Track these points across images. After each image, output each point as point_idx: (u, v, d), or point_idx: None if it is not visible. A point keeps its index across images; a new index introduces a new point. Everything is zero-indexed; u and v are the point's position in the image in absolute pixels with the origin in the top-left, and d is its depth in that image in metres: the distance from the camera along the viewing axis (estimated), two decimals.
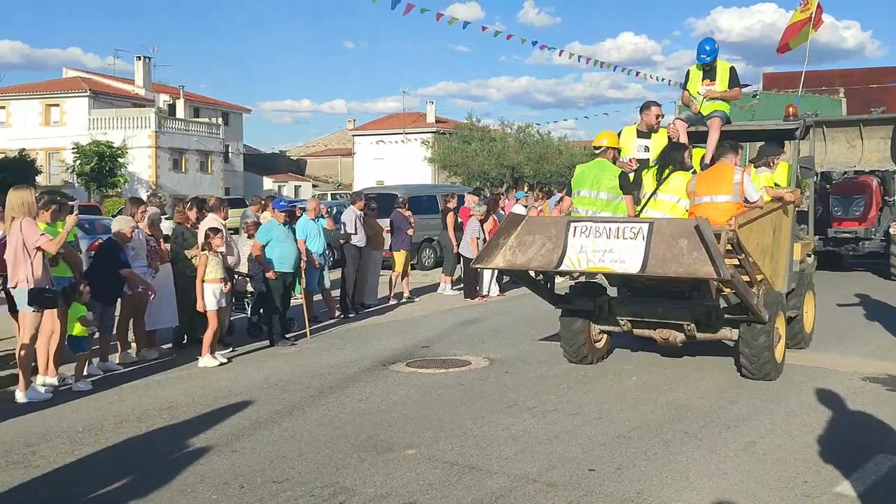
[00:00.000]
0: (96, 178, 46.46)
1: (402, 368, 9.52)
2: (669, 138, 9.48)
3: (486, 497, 5.41)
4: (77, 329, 8.76)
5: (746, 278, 8.03)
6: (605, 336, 9.68)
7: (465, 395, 8.19)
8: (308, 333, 11.64)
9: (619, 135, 9.52)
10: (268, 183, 66.58)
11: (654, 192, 8.78)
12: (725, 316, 8.47)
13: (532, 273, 9.12)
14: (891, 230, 17.82)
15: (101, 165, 46.62)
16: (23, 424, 7.27)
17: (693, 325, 8.60)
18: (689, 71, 10.38)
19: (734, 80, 10.15)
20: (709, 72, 10.05)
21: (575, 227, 8.07)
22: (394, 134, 68.48)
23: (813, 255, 11.50)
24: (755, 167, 9.87)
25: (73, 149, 47.53)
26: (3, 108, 55.75)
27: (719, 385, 8.47)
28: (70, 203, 9.10)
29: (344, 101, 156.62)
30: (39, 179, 47.53)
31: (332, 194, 51.16)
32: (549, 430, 6.93)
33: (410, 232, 15.46)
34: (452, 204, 16.48)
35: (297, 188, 67.14)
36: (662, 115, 9.70)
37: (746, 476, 5.79)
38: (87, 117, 53.81)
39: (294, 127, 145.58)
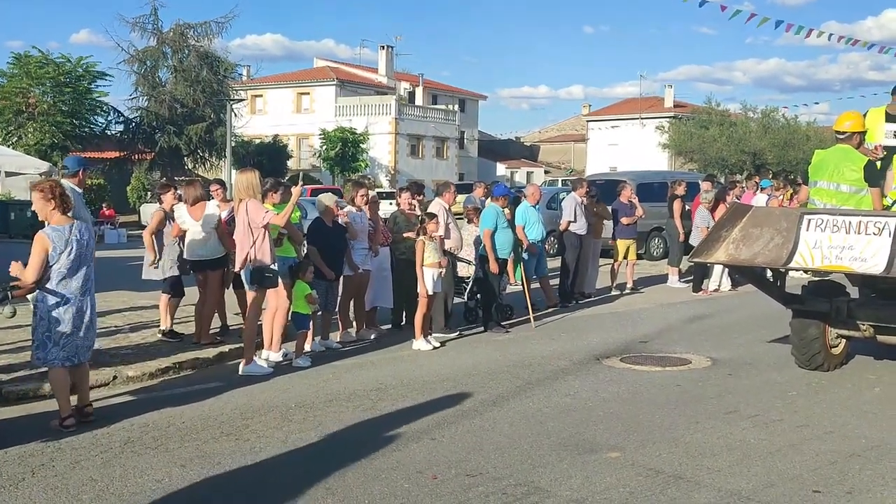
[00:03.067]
0: (340, 163, 49.01)
1: (615, 364, 9.11)
2: None
3: None
4: (300, 306, 9.10)
5: None
6: (843, 341, 8.69)
7: (681, 397, 7.66)
8: (532, 321, 11.44)
9: (864, 116, 8.48)
10: (501, 169, 67.39)
11: None
12: None
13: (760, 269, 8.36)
14: None
15: (345, 151, 49.16)
16: (242, 397, 7.61)
17: None
18: None
19: None
20: None
21: (809, 221, 7.28)
22: (629, 119, 66.96)
23: None
24: None
25: (320, 135, 50.42)
26: (261, 96, 60.01)
27: None
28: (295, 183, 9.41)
29: (581, 87, 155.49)
30: (290, 163, 50.90)
31: (562, 181, 50.80)
32: (771, 442, 6.30)
33: (625, 220, 14.77)
34: (680, 191, 15.66)
35: (529, 174, 67.42)
36: None
37: None
38: (333, 105, 56.83)
39: (530, 113, 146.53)
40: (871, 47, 23.49)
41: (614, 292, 14.73)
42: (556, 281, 13.72)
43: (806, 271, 8.17)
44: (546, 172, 68.77)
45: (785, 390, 7.89)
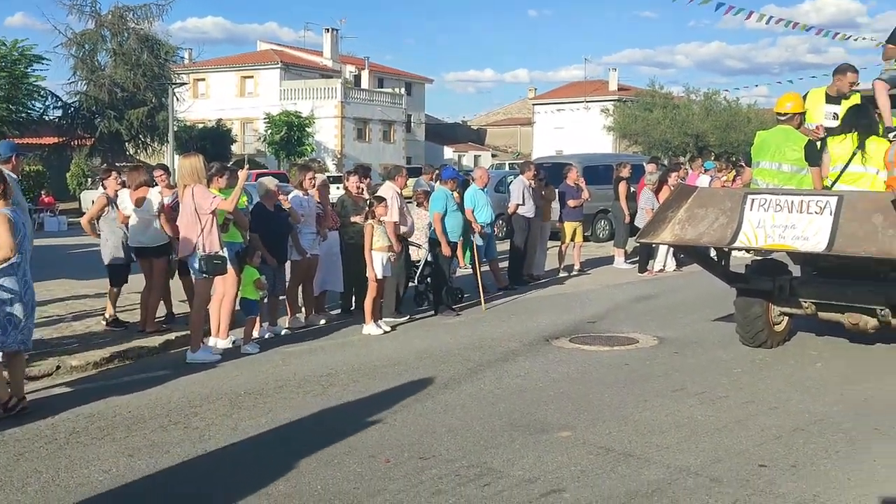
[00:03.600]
0: (285, 147, 48.52)
1: (564, 344, 9.18)
2: (862, 99, 8.47)
3: (641, 489, 5.03)
4: (249, 292, 9.01)
5: None
6: (786, 318, 8.88)
7: (629, 376, 7.76)
8: (483, 304, 11.47)
9: (805, 97, 8.64)
10: (448, 152, 67.32)
11: (846, 166, 7.88)
12: None
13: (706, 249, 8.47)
14: None
15: (290, 135, 48.68)
16: (190, 385, 7.50)
17: (888, 310, 7.71)
18: None
19: None
20: None
21: (752, 200, 7.40)
22: (574, 102, 67.37)
23: None
24: None
25: (264, 119, 49.83)
26: (203, 80, 59.07)
27: None
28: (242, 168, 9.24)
29: (527, 71, 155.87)
30: (234, 148, 50.26)
31: (510, 164, 50.98)
32: (718, 418, 6.41)
33: (572, 203, 14.88)
34: (625, 173, 15.80)
35: (476, 157, 67.51)
36: (858, 84, 8.67)
37: None
38: (278, 88, 56.17)
39: (476, 97, 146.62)
40: (810, 30, 23.97)
41: (562, 274, 14.84)
42: (506, 263, 13.78)
43: (749, 251, 8.31)
44: (493, 156, 68.92)
45: (730, 367, 8.04)
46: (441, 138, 69.81)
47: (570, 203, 14.86)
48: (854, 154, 7.80)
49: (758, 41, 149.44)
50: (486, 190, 12.89)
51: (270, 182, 9.83)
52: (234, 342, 8.97)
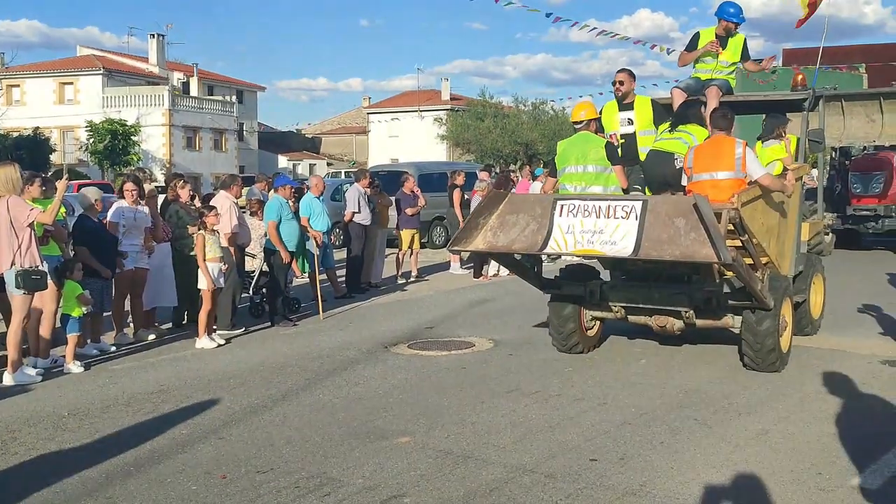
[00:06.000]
0: (110, 157, 46.38)
1: (403, 350, 9.24)
2: (653, 103, 8.94)
3: (480, 489, 5.13)
4: (70, 308, 8.54)
5: (750, 261, 7.42)
6: (598, 323, 9.09)
7: (466, 379, 7.90)
8: (321, 313, 11.34)
9: (600, 112, 9.03)
10: (283, 161, 66.38)
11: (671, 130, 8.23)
12: (728, 302, 7.81)
13: (517, 255, 8.38)
14: None
15: (115, 144, 46.59)
16: (8, 408, 7.03)
17: (692, 311, 8.01)
18: (698, 33, 9.69)
19: (746, 53, 9.61)
20: (722, 39, 9.49)
21: (561, 206, 7.46)
22: (408, 111, 68.02)
23: (831, 234, 11.07)
24: (763, 142, 9.34)
25: (86, 127, 47.47)
26: (18, 86, 55.65)
27: (732, 369, 8.13)
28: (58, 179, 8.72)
29: (360, 80, 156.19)
30: (54, 158, 47.59)
31: (345, 172, 50.82)
32: (551, 416, 6.63)
33: (409, 211, 15.03)
34: (459, 180, 16.10)
35: (311, 166, 66.86)
36: (631, 82, 8.92)
37: (758, 467, 5.48)
38: (100, 95, 53.67)
39: (310, 105, 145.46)
40: (627, 40, 25.34)
41: (400, 281, 14.93)
42: (343, 272, 13.73)
43: (560, 256, 8.50)
44: (329, 164, 68.52)
45: (562, 367, 8.32)
46: (275, 147, 68.75)
47: (408, 211, 14.99)
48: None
49: (581, 54, 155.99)
50: (321, 198, 12.79)
51: (92, 193, 9.37)
52: (55, 361, 8.49)
